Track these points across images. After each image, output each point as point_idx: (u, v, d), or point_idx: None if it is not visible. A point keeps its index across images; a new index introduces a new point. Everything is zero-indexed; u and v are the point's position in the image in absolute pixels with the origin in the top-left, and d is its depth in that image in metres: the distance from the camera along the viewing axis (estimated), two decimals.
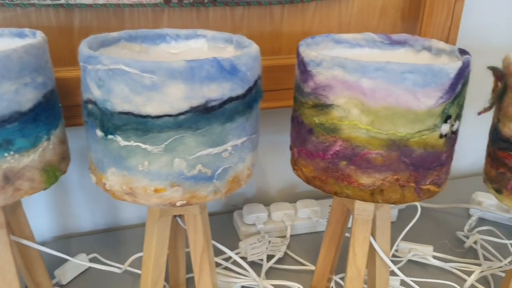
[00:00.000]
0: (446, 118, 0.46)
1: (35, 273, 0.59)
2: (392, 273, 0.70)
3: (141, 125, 0.42)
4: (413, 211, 0.85)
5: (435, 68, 0.44)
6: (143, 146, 0.43)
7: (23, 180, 0.46)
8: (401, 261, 0.72)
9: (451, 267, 0.70)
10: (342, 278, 0.68)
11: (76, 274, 0.67)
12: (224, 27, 0.71)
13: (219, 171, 0.46)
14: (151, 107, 0.42)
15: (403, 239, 0.76)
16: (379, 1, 0.77)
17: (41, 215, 0.76)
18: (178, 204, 0.46)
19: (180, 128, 0.43)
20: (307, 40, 0.54)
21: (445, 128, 0.47)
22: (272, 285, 0.64)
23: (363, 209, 0.54)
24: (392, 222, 0.83)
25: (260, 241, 0.71)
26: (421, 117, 0.45)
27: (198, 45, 0.57)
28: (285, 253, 0.73)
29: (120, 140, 0.43)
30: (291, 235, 0.78)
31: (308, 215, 0.79)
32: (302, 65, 0.49)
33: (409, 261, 0.72)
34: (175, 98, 0.42)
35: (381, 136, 0.46)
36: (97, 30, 0.65)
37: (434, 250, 0.74)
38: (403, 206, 0.86)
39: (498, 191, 0.51)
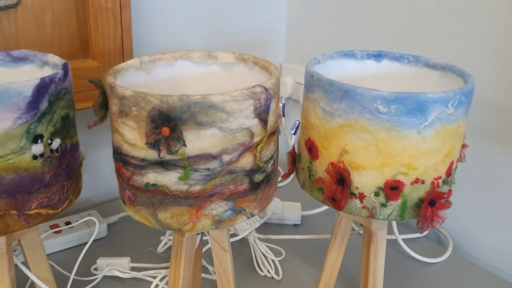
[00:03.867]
0: (34, 138, 0.44)
1: None
2: None
3: None
4: (123, 223, 0.84)
5: (1, 90, 0.41)
6: None
7: None
8: (96, 278, 0.70)
9: (145, 274, 0.70)
10: None
11: None
12: None
13: None
14: None
15: (109, 254, 0.74)
16: (47, 15, 0.73)
17: None
18: None
19: None
20: None
21: (37, 149, 0.45)
22: None
23: None
24: (103, 238, 0.81)
25: None
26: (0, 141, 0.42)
27: None
28: None
29: None
30: None
31: None
32: None
33: (106, 277, 0.71)
34: None
35: None
36: None
37: (135, 260, 0.73)
38: (115, 219, 0.84)
39: (123, 202, 0.51)
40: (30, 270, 0.55)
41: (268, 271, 0.74)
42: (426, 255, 0.79)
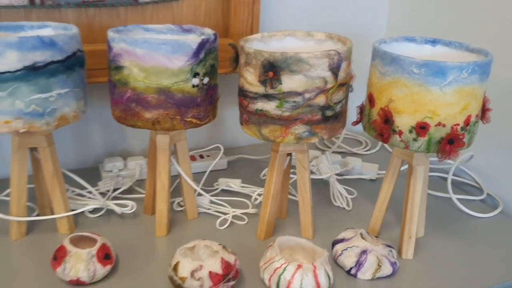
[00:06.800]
0: (194, 74, 0.74)
1: None
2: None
3: None
4: (239, 162, 1.13)
5: (180, 42, 0.71)
6: None
7: None
8: (217, 189, 1.00)
9: (249, 190, 0.99)
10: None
11: None
12: (81, 23, 0.96)
13: (48, 110, 0.71)
14: None
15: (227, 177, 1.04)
16: (202, 5, 1.05)
17: None
18: (21, 131, 0.71)
19: (17, 80, 0.68)
20: (119, 28, 0.81)
21: (195, 81, 0.75)
22: (114, 203, 0.90)
23: (161, 141, 0.81)
24: (224, 169, 1.11)
25: (111, 179, 0.97)
26: (176, 73, 0.73)
27: (46, 32, 0.82)
28: (132, 188, 0.99)
29: None
30: (142, 179, 1.04)
31: None
32: (108, 42, 0.76)
33: (223, 190, 1.00)
34: (12, 61, 0.67)
35: (152, 85, 0.73)
36: None
37: (243, 183, 1.02)
38: (233, 158, 1.14)
39: (241, 123, 0.79)
40: (179, 166, 0.86)
41: (341, 203, 0.97)
42: (476, 211, 0.96)
